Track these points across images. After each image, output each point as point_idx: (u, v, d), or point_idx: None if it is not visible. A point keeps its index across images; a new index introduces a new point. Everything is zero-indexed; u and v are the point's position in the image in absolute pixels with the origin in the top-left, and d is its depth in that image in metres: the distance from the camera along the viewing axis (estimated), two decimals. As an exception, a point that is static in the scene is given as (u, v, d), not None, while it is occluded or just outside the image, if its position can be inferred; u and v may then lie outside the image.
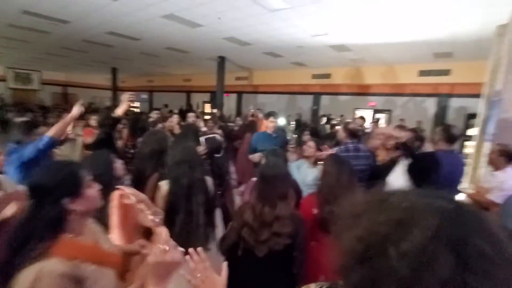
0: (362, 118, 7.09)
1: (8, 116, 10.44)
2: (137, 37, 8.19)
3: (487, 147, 4.97)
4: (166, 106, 15.82)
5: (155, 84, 19.68)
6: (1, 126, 10.66)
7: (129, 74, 18.60)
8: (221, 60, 10.54)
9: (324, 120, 9.43)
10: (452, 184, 2.55)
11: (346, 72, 10.96)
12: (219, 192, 2.44)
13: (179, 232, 1.60)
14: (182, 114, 8.22)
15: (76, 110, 2.24)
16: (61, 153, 3.51)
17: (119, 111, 2.59)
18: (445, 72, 9.00)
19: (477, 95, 7.89)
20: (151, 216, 1.04)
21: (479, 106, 5.71)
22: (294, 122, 9.98)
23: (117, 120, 2.63)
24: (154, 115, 6.42)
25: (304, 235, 1.54)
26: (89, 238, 0.99)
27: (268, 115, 3.57)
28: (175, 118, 4.68)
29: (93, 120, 4.53)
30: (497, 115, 3.62)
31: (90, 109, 8.83)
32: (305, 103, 12.58)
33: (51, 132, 2.08)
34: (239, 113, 14.32)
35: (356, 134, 2.85)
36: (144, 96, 7.95)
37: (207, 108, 15.24)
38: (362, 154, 2.68)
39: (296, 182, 2.32)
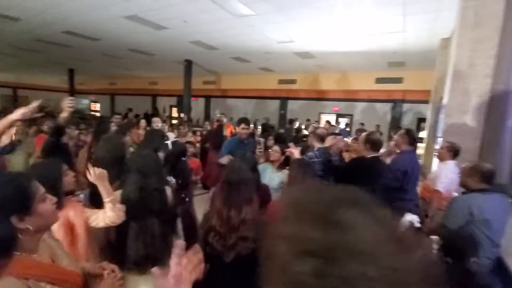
0: (328, 122, 7.41)
1: None
2: (97, 38, 7.77)
3: (435, 148, 5.47)
4: (130, 110, 15.14)
5: (118, 86, 18.74)
6: None
7: (88, 76, 17.50)
8: (188, 64, 10.39)
9: (297, 124, 9.68)
10: (415, 180, 2.89)
11: (311, 78, 11.44)
12: (183, 196, 2.40)
13: (134, 244, 1.52)
14: (148, 119, 7.90)
15: (20, 112, 1.95)
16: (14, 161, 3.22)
17: (62, 118, 2.42)
18: (398, 80, 9.81)
19: (426, 101, 8.71)
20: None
21: (429, 111, 6.30)
22: (260, 126, 10.07)
23: (62, 127, 2.46)
24: (116, 119, 5.72)
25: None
26: (45, 254, 0.91)
27: (240, 121, 3.40)
28: (142, 124, 4.47)
29: (47, 126, 4.18)
30: (442, 120, 4.02)
31: (42, 113, 8.12)
32: (273, 108, 12.85)
33: None
34: (207, 117, 14.18)
35: (324, 139, 2.99)
36: (86, 101, 7.40)
37: (174, 112, 14.88)
38: (332, 158, 2.85)
39: (267, 186, 2.33)
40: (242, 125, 3.31)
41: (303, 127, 9.00)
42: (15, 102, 17.39)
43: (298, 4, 4.74)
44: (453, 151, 3.13)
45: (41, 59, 11.54)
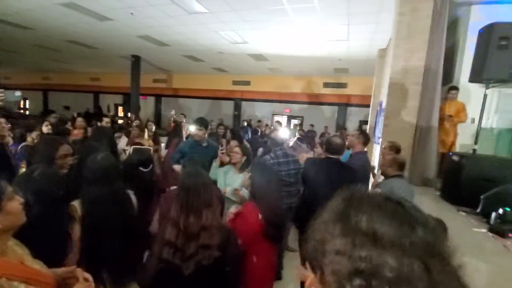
0: (278, 122, 7.62)
1: None
2: (29, 26, 6.82)
3: (375, 148, 6.00)
4: (67, 108, 13.61)
5: (53, 82, 16.68)
6: None
7: (16, 68, 15.26)
8: (136, 60, 9.74)
9: (257, 124, 9.69)
10: (368, 180, 3.16)
11: (264, 80, 11.70)
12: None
13: (100, 260, 1.41)
14: (89, 118, 7.09)
15: None
16: None
17: None
18: (343, 85, 10.61)
19: (367, 105, 9.55)
20: None
21: (370, 114, 6.90)
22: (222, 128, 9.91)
23: None
24: (52, 119, 4.78)
25: (237, 247, 1.47)
26: (14, 258, 0.89)
27: (195, 122, 3.12)
28: (80, 123, 3.97)
29: None
30: (382, 122, 4.43)
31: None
32: (227, 109, 12.78)
33: None
34: (158, 117, 13.47)
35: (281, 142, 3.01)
36: (18, 93, 6.30)
37: (121, 111, 13.82)
38: (291, 159, 2.88)
39: (220, 191, 2.26)
40: (197, 126, 3.04)
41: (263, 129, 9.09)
42: None
43: (251, 6, 4.78)
44: (394, 150, 3.44)
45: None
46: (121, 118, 11.31)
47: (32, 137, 3.30)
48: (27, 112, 15.94)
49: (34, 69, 15.40)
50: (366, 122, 9.61)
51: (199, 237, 1.28)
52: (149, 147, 2.66)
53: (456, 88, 3.79)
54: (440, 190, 3.27)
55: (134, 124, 4.49)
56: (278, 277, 2.88)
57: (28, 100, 17.89)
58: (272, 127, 8.29)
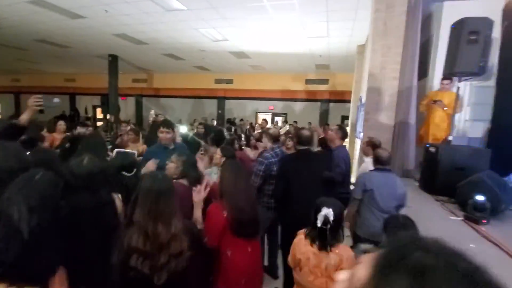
0: (264, 120, 7.62)
1: None
2: (-8, 24, 6.42)
3: (357, 142, 6.13)
4: (41, 111, 13.01)
5: (24, 84, 15.84)
6: None
7: (-19, 70, 14.37)
8: (113, 59, 9.41)
9: (246, 124, 9.60)
10: (349, 174, 3.26)
11: (247, 78, 11.64)
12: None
13: (81, 265, 1.30)
14: (66, 120, 6.67)
15: None
16: None
17: (24, 118, 1.99)
18: (325, 81, 10.75)
19: (348, 101, 9.73)
20: None
21: (351, 110, 7.04)
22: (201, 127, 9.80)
23: (23, 129, 2.01)
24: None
25: (204, 239, 1.50)
26: None
27: (161, 124, 2.83)
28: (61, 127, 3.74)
29: None
30: (362, 117, 4.53)
31: None
32: (210, 107, 12.63)
33: None
34: (139, 118, 13.13)
35: (278, 138, 3.01)
36: (57, 99, 6.27)
37: (99, 113, 13.35)
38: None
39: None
40: (162, 128, 2.75)
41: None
42: None
43: (230, 3, 4.73)
44: (371, 145, 3.52)
45: None
46: (100, 120, 10.92)
47: None
48: (-3, 116, 15.08)
49: (2, 70, 14.53)
50: (347, 118, 9.81)
51: (169, 246, 1.22)
52: (134, 151, 2.54)
53: (448, 78, 3.64)
54: (419, 181, 3.40)
55: (128, 128, 4.25)
56: (275, 276, 2.90)
57: (-2, 103, 16.93)
58: (257, 125, 8.30)
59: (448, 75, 3.42)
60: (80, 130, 4.28)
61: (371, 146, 3.39)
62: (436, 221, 2.35)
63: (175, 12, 5.22)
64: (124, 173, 2.20)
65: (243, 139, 7.81)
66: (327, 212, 1.48)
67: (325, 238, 1.49)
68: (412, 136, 3.82)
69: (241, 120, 10.50)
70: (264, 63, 9.46)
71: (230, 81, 12.04)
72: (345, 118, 10.62)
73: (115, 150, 2.67)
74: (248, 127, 9.75)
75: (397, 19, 3.80)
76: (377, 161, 2.52)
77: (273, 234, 2.93)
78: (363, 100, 4.76)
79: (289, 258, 1.71)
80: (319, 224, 1.48)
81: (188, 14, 5.32)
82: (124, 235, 1.23)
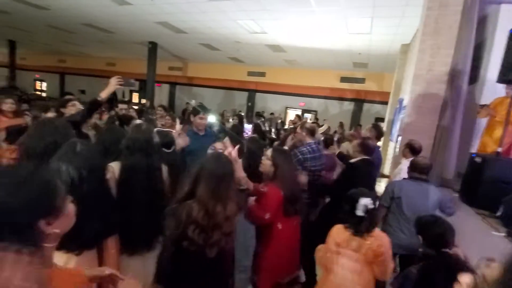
0: (297, 116, 7.52)
1: None
2: (44, 6, 6.88)
3: (391, 146, 5.90)
4: (83, 92, 13.87)
5: (69, 65, 16.95)
6: None
7: (31, 49, 15.54)
8: (153, 46, 9.75)
9: (278, 121, 9.61)
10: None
11: (280, 72, 11.54)
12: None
13: (129, 224, 1.52)
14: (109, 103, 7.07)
15: None
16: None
17: (104, 95, 2.22)
18: (361, 80, 10.37)
19: (384, 102, 9.34)
20: None
21: (387, 111, 6.75)
22: (235, 118, 9.91)
23: (100, 104, 2.25)
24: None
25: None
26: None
27: (198, 109, 2.88)
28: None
29: (9, 104, 3.33)
30: (402, 120, 4.33)
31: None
32: (240, 99, 12.73)
33: None
34: (171, 105, 13.57)
35: (315, 133, 2.96)
36: (133, 80, 6.86)
37: (135, 98, 13.97)
38: (322, 154, 2.89)
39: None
40: (201, 114, 2.83)
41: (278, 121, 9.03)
42: None
43: (273, -5, 4.69)
44: (409, 148, 3.37)
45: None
46: (136, 104, 11.42)
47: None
48: (44, 94, 16.32)
49: (50, 51, 15.61)
50: (382, 120, 9.43)
51: (223, 226, 1.32)
52: (171, 130, 2.68)
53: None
54: (459, 192, 3.20)
55: (163, 112, 4.51)
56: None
57: (45, 82, 18.29)
58: (289, 121, 8.23)
59: (503, 81, 3.15)
60: (121, 106, 4.52)
61: (409, 148, 3.25)
62: (477, 235, 2.22)
63: (217, 2, 5.27)
64: (164, 149, 2.37)
65: (272, 133, 7.83)
66: (366, 201, 1.62)
67: (365, 225, 1.64)
68: (455, 144, 3.59)
69: (271, 114, 10.47)
70: (299, 58, 9.32)
71: (262, 74, 12.02)
72: (379, 119, 10.23)
73: (155, 129, 2.82)
74: (279, 121, 9.73)
75: (450, 18, 3.55)
76: (413, 168, 2.40)
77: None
78: (404, 103, 4.54)
79: (323, 248, 1.81)
80: (360, 213, 1.62)
81: (230, 5, 5.35)
82: (184, 206, 1.32)
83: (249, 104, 12.54)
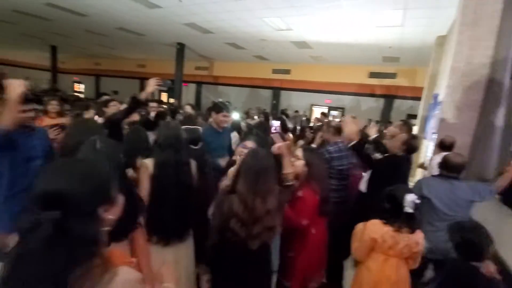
0: (323, 114, 7.40)
1: None
2: (82, 13, 7.34)
3: (424, 144, 5.60)
4: (115, 92, 14.63)
5: (103, 67, 17.97)
6: None
7: (70, 54, 16.66)
8: (181, 47, 10.05)
9: (303, 118, 9.56)
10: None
11: (305, 68, 11.37)
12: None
13: (162, 218, 1.62)
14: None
15: (16, 89, 1.62)
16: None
17: (143, 95, 2.42)
18: (392, 75, 9.92)
19: (416, 98, 8.86)
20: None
21: (421, 108, 6.40)
22: (261, 115, 9.90)
23: (140, 103, 2.45)
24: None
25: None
26: None
27: (220, 107, 2.89)
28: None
29: (53, 105, 3.61)
30: (437, 116, 4.08)
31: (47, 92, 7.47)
32: (265, 97, 12.74)
33: None
34: (198, 104, 13.91)
35: (341, 131, 2.90)
36: (168, 81, 7.53)
37: (164, 97, 14.48)
38: (349, 153, 2.82)
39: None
40: (224, 112, 2.86)
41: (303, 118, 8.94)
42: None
43: (300, -10, 4.63)
44: (439, 144, 3.20)
45: (18, 32, 10.82)
46: (163, 103, 11.86)
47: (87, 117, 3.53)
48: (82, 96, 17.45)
49: (86, 54, 16.65)
50: (414, 116, 8.98)
51: (263, 220, 1.36)
52: (198, 127, 2.78)
53: None
54: (502, 194, 2.97)
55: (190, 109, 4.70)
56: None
57: (82, 84, 19.56)
58: (314, 119, 8.11)
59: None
60: (152, 105, 4.74)
61: (439, 144, 3.08)
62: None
63: (243, 1, 5.31)
64: (191, 146, 2.46)
65: (297, 131, 7.75)
66: (413, 197, 1.61)
67: (412, 221, 1.64)
68: (496, 141, 3.34)
69: (296, 111, 10.37)
70: (325, 54, 9.12)
71: (287, 71, 11.92)
72: (410, 116, 9.74)
73: (183, 127, 2.93)
74: (304, 118, 9.61)
75: (490, 7, 3.29)
76: (444, 166, 2.24)
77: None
78: (440, 98, 4.28)
79: (356, 244, 1.79)
80: (410, 210, 1.60)
81: (256, 2, 5.36)
82: (226, 199, 1.41)
83: (274, 102, 12.50)
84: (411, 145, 2.51)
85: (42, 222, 0.63)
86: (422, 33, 6.01)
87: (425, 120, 5.89)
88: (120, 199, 0.83)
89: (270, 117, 6.56)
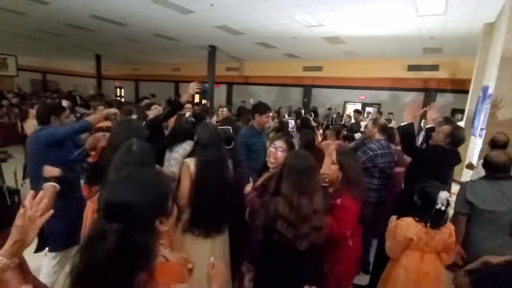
0: (357, 111, 7.12)
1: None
2: (123, 22, 7.84)
3: (473, 141, 5.14)
4: (153, 96, 15.45)
5: (142, 73, 19.10)
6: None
7: (112, 61, 17.93)
8: (212, 50, 10.31)
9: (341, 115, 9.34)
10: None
11: (338, 65, 11.00)
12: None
13: (204, 212, 1.70)
14: (170, 104, 7.95)
15: (114, 110, 2.37)
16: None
17: (185, 98, 2.70)
18: (434, 68, 9.21)
19: (462, 91, 8.15)
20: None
21: (468, 101, 5.87)
22: (293, 114, 9.86)
23: (182, 106, 2.74)
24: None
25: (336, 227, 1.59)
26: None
27: (264, 108, 2.89)
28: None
29: (100, 110, 4.16)
30: (487, 110, 3.73)
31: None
32: (296, 95, 12.59)
33: (90, 118, 2.18)
34: (229, 104, 14.19)
35: (386, 129, 2.84)
36: (207, 85, 7.89)
37: (196, 98, 15.00)
38: (392, 150, 2.75)
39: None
40: (268, 113, 2.87)
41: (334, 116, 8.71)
42: (44, 87, 18.16)
43: (331, -15, 4.49)
44: (490, 143, 2.91)
45: (67, 43, 11.86)
46: (196, 104, 12.27)
47: None
48: (123, 100, 18.71)
49: (126, 61, 17.79)
50: (460, 111, 8.28)
51: (311, 219, 1.34)
52: (229, 127, 2.85)
53: None
54: None
55: (225, 111, 5.00)
56: (367, 271, 2.77)
57: (123, 88, 20.97)
58: (346, 115, 7.84)
59: None
60: (187, 105, 4.95)
61: (490, 143, 2.81)
62: None
63: (271, 0, 5.29)
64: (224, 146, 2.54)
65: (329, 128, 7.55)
66: (446, 194, 1.61)
67: (442, 218, 1.65)
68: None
69: (329, 109, 10.10)
70: (359, 49, 8.75)
71: (319, 68, 11.64)
72: (456, 111, 9.00)
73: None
74: (335, 115, 9.35)
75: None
76: (486, 166, 2.04)
77: (369, 232, 2.74)
78: (490, 91, 3.90)
79: (389, 242, 1.78)
80: (442, 207, 1.60)
81: (286, 0, 5.31)
82: (273, 200, 1.41)
83: (305, 100, 12.29)
84: (456, 136, 2.31)
85: (107, 233, 0.69)
86: (467, 21, 5.51)
87: (473, 115, 5.40)
88: (175, 211, 0.85)
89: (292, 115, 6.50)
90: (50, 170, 1.69)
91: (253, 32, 7.78)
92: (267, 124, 2.97)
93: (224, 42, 9.34)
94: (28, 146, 2.11)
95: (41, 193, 0.81)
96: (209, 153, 1.81)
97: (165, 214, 0.79)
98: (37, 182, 1.92)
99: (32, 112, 4.33)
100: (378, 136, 2.73)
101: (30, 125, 4.08)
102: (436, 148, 2.36)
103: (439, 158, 2.29)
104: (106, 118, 2.37)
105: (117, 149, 1.56)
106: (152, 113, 3.10)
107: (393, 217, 1.83)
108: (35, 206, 0.78)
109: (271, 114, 2.94)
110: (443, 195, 1.60)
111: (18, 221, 0.75)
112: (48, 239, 2.11)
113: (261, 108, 2.90)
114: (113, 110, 2.38)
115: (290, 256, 1.38)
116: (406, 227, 1.68)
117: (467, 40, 6.62)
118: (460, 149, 2.50)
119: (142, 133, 1.89)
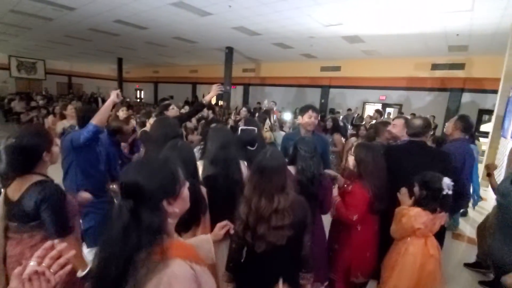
0: (377, 112, 6.94)
1: (12, 106, 10.39)
2: (144, 26, 8.07)
3: (503, 143, 4.87)
4: (171, 97, 15.77)
5: (161, 75, 19.58)
6: (5, 116, 10.67)
7: (133, 64, 18.49)
8: (229, 51, 10.40)
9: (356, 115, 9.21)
10: (468, 173, 2.48)
11: (357, 64, 10.75)
12: None
13: (212, 209, 1.68)
14: (188, 105, 8.09)
15: (114, 96, 2.17)
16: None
17: (208, 98, 2.91)
18: (459, 66, 8.81)
19: (490, 91, 7.74)
20: None
21: (497, 102, 5.57)
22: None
23: (204, 106, 3.02)
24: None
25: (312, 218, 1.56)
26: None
27: (306, 108, 2.40)
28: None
29: (123, 112, 4.32)
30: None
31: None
32: (313, 96, 12.43)
33: (94, 119, 2.07)
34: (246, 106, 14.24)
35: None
36: (228, 87, 8.19)
37: (213, 100, 15.17)
38: None
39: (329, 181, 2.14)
40: (310, 112, 2.33)
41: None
42: (70, 89, 19.04)
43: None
44: None
45: (92, 48, 12.39)
46: (213, 105, 12.42)
47: (150, 123, 3.91)
48: (143, 101, 19.24)
49: (146, 64, 18.30)
50: (488, 112, 7.89)
51: (270, 219, 1.31)
52: (254, 128, 2.87)
53: None
54: None
55: (245, 112, 5.15)
56: None
57: (143, 91, 21.57)
58: (367, 116, 7.67)
59: None
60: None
61: None
62: None
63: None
64: (248, 147, 2.55)
65: (350, 128, 7.40)
66: (448, 179, 1.69)
67: (448, 202, 1.72)
68: None
69: (349, 109, 9.90)
70: (380, 47, 8.52)
71: (337, 68, 11.43)
72: (484, 112, 8.57)
73: (240, 128, 3.02)
74: (357, 115, 9.17)
75: None
76: None
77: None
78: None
79: (395, 227, 1.84)
80: (449, 192, 1.68)
81: (302, 0, 5.27)
82: (239, 205, 1.41)
83: (322, 101, 12.10)
84: (465, 123, 2.43)
85: (122, 210, 0.77)
86: (495, 17, 5.24)
87: (503, 116, 5.12)
88: (185, 194, 0.90)
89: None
90: (84, 197, 1.75)
91: (270, 33, 7.76)
92: (312, 127, 2.41)
93: (241, 43, 9.38)
94: (60, 145, 2.19)
95: (61, 245, 0.74)
96: (217, 152, 1.78)
97: (172, 196, 0.84)
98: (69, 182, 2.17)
99: (60, 112, 4.56)
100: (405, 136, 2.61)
101: (58, 125, 4.27)
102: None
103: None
104: (114, 105, 2.32)
105: (157, 142, 1.68)
106: (170, 113, 3.16)
107: (403, 189, 1.87)
108: (50, 261, 0.69)
109: (313, 113, 2.37)
110: (447, 180, 1.69)
111: (13, 283, 0.63)
112: (85, 235, 2.17)
113: (305, 108, 2.46)
114: (114, 92, 2.19)
115: (251, 259, 1.39)
116: (414, 217, 1.74)
117: (495, 37, 6.29)
118: (489, 152, 2.34)
119: (178, 130, 2.04)
